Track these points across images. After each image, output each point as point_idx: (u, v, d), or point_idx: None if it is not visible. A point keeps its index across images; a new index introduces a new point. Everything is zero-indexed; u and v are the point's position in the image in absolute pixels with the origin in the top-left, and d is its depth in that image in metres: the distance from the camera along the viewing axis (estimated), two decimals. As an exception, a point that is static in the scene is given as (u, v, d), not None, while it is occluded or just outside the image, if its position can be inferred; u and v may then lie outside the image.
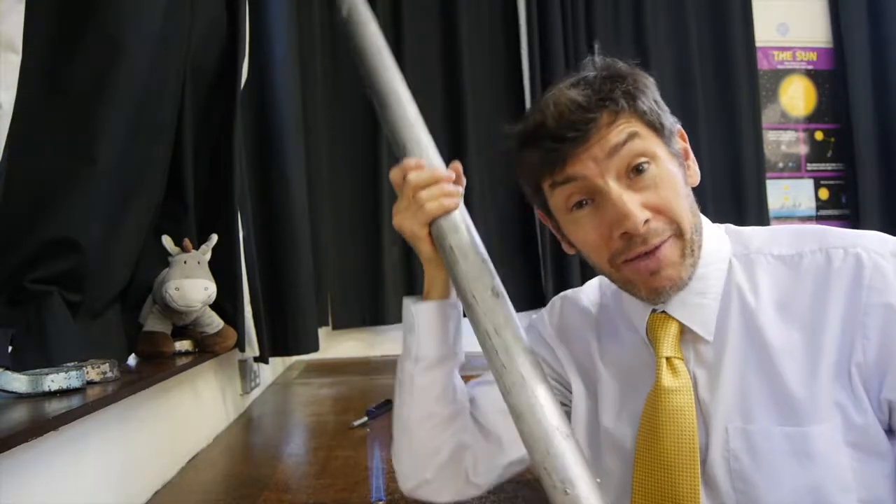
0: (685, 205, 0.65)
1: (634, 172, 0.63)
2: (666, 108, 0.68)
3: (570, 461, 0.51)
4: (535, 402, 0.55)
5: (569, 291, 0.85)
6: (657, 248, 0.63)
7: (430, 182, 0.67)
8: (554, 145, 0.64)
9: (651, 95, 0.66)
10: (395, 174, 0.69)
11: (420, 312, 0.73)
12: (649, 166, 0.63)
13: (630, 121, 0.64)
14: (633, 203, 0.62)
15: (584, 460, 0.52)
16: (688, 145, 0.71)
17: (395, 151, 0.69)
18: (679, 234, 0.64)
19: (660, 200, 0.63)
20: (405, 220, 0.68)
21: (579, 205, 0.65)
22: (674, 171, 0.65)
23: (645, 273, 0.64)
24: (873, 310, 0.59)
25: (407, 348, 0.74)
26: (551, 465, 0.50)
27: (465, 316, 0.70)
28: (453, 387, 0.75)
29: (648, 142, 0.64)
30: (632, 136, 0.63)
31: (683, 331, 0.67)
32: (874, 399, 0.59)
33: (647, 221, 0.62)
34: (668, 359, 0.66)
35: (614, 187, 0.62)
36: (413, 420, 0.74)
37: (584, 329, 0.79)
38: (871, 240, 0.63)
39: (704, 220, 0.70)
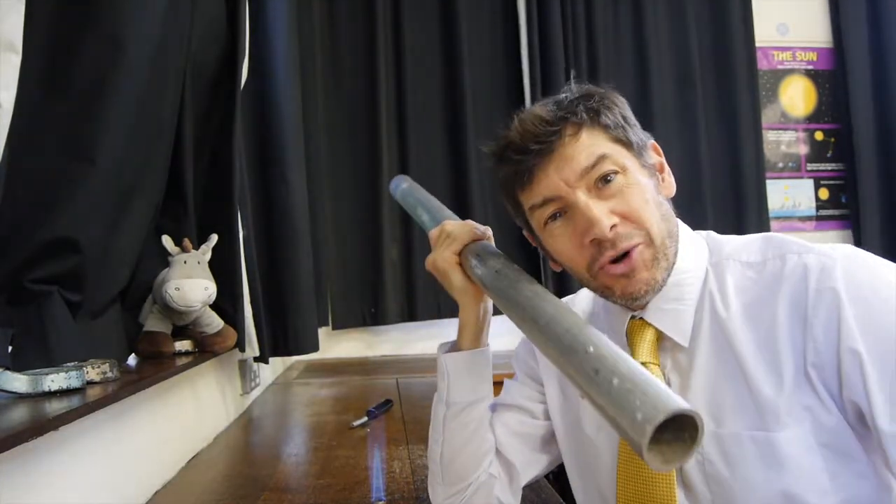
0: (655, 212, 0.66)
1: (602, 182, 0.65)
2: (636, 124, 0.70)
3: (587, 331, 0.52)
4: (552, 307, 0.57)
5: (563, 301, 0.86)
6: (629, 253, 0.64)
7: (462, 224, 0.76)
8: (519, 157, 0.67)
9: (618, 111, 0.68)
10: (434, 232, 0.78)
11: (450, 362, 0.77)
12: (616, 176, 0.65)
13: (593, 134, 0.66)
14: (599, 209, 0.64)
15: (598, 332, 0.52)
16: (663, 160, 0.73)
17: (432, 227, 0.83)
18: (649, 241, 0.65)
19: (627, 207, 0.65)
20: (438, 255, 0.75)
21: (553, 217, 0.68)
22: (643, 181, 0.67)
23: (619, 277, 0.65)
24: (819, 306, 0.60)
25: (439, 392, 0.79)
26: (573, 337, 0.52)
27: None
28: (484, 426, 0.78)
29: (616, 157, 0.66)
30: (601, 158, 0.65)
31: (661, 337, 0.69)
32: (837, 399, 0.60)
33: (613, 226, 0.64)
34: (643, 364, 0.67)
35: (582, 197, 0.65)
36: (445, 457, 0.78)
37: None
38: (827, 247, 0.64)
39: (684, 227, 0.71)
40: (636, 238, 0.64)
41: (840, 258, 0.61)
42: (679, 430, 0.42)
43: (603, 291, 0.69)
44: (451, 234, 0.75)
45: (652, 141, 0.72)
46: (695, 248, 0.70)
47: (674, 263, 0.67)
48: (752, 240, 0.70)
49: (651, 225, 0.65)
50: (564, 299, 0.86)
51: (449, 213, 0.86)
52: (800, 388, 0.60)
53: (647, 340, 0.68)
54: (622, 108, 0.69)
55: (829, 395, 0.60)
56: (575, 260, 0.68)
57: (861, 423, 0.59)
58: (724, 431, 0.63)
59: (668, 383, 0.67)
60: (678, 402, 0.41)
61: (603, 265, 0.65)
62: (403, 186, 0.98)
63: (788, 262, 0.64)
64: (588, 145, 0.65)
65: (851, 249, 0.63)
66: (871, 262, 0.62)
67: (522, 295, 0.61)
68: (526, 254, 2.67)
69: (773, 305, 0.63)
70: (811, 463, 0.59)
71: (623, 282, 0.65)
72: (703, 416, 0.63)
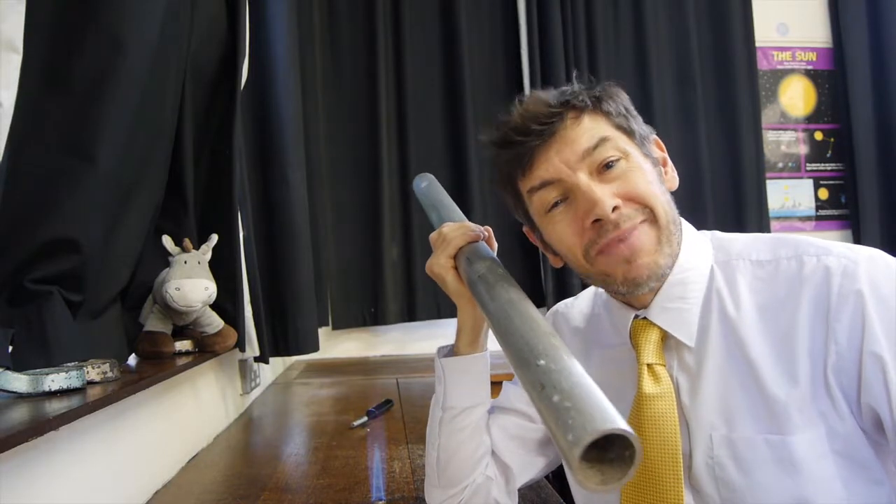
0: (658, 193, 0.65)
1: (604, 168, 0.64)
2: (637, 116, 0.69)
3: (543, 343, 0.51)
4: (519, 317, 0.56)
5: (562, 305, 0.86)
6: (630, 233, 0.63)
7: (457, 227, 0.75)
8: (520, 139, 0.66)
9: (620, 102, 0.68)
10: (433, 235, 0.77)
11: (447, 367, 0.76)
12: (619, 161, 0.64)
13: (596, 119, 0.66)
14: (601, 191, 0.63)
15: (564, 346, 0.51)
16: (666, 155, 0.72)
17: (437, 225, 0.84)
18: (653, 219, 0.64)
19: (630, 188, 0.64)
20: (434, 260, 0.75)
21: (555, 204, 0.67)
22: (646, 166, 0.66)
23: (620, 261, 0.64)
24: (843, 309, 0.59)
25: (436, 396, 0.78)
26: (529, 349, 0.50)
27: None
28: (480, 430, 0.77)
29: (618, 142, 0.65)
30: (602, 140, 0.64)
31: (666, 337, 0.68)
32: (853, 404, 0.59)
33: (616, 208, 0.63)
34: (649, 365, 0.66)
35: (583, 178, 0.64)
36: (441, 460, 0.77)
37: (572, 344, 0.80)
38: (846, 249, 0.63)
39: (688, 226, 0.70)
40: (640, 216, 0.64)
41: (862, 260, 0.60)
42: (621, 448, 0.40)
43: (603, 279, 0.67)
44: (447, 238, 0.74)
45: (654, 135, 0.71)
46: (699, 246, 0.69)
47: (678, 253, 0.66)
48: (759, 238, 0.69)
49: (656, 204, 0.64)
50: (565, 302, 0.86)
51: (455, 213, 0.85)
52: (816, 392, 0.59)
53: (651, 341, 0.67)
54: (624, 100, 0.69)
55: (846, 401, 0.59)
56: (573, 247, 0.66)
57: (877, 428, 0.59)
58: (737, 435, 0.62)
59: (676, 384, 0.66)
60: (610, 423, 0.39)
61: (602, 248, 0.64)
62: (423, 186, 0.97)
63: (807, 264, 0.63)
64: (590, 128, 0.65)
65: (871, 251, 0.62)
66: (892, 264, 0.61)
67: (495, 302, 0.60)
68: (525, 252, 2.67)
69: (793, 308, 0.62)
70: (825, 469, 0.58)
71: (624, 267, 0.64)
72: (715, 419, 0.63)
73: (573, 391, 0.43)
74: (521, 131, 0.66)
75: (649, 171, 0.66)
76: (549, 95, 0.67)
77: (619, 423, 0.39)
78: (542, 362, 0.47)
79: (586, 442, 0.39)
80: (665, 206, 0.65)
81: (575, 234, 0.66)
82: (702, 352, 0.66)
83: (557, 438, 0.42)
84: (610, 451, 0.41)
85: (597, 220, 0.63)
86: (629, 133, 0.67)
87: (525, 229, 0.76)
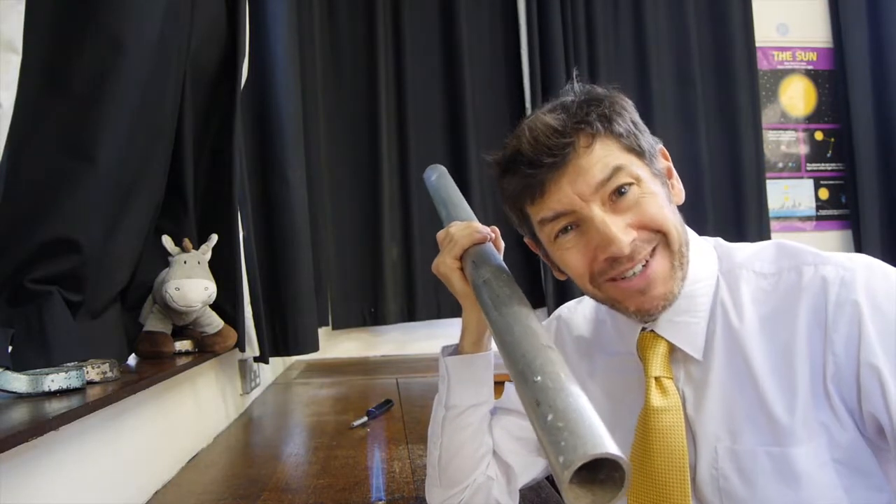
0: (670, 216, 0.65)
1: (616, 195, 0.63)
2: (645, 129, 0.68)
3: (541, 358, 0.51)
4: (520, 329, 0.56)
5: (565, 309, 0.86)
6: (647, 263, 0.63)
7: (464, 227, 0.75)
8: (531, 171, 0.65)
9: (628, 117, 0.66)
10: (440, 234, 0.77)
11: (451, 365, 0.77)
12: (631, 187, 0.63)
13: (607, 145, 0.64)
14: (617, 226, 0.62)
15: (562, 363, 0.51)
16: (671, 164, 0.71)
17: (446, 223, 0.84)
18: (666, 243, 0.64)
19: (643, 216, 0.63)
20: (440, 259, 0.74)
21: (564, 230, 0.66)
22: (656, 189, 0.65)
23: (635, 293, 0.64)
24: (839, 320, 0.59)
25: (439, 394, 0.78)
26: (526, 364, 0.50)
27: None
28: (482, 430, 0.77)
29: (630, 168, 0.64)
30: (616, 170, 0.63)
31: (673, 349, 0.67)
32: (855, 413, 0.59)
33: (632, 241, 0.62)
34: (657, 378, 0.66)
35: (598, 213, 0.63)
36: (443, 459, 0.77)
37: (575, 352, 0.80)
38: (844, 258, 0.63)
39: (693, 235, 0.70)
40: (653, 243, 0.63)
41: (860, 270, 0.60)
42: (611, 470, 0.41)
43: (612, 304, 0.67)
44: (453, 239, 0.74)
45: (660, 146, 0.70)
46: (704, 257, 0.69)
47: (688, 274, 0.66)
48: (763, 248, 0.69)
49: (669, 229, 0.64)
50: (567, 306, 0.86)
51: (464, 211, 0.84)
52: (816, 403, 0.59)
53: (659, 354, 0.67)
54: (632, 113, 0.67)
55: (847, 411, 0.59)
56: (583, 273, 0.66)
57: (880, 436, 0.59)
58: (740, 447, 0.62)
59: (682, 396, 0.66)
60: (600, 447, 0.40)
61: (615, 277, 0.64)
62: (433, 179, 0.96)
63: (805, 273, 0.63)
64: (602, 157, 0.63)
65: (869, 260, 0.62)
66: (890, 274, 0.61)
67: (497, 311, 0.60)
68: (524, 252, 2.67)
69: (792, 319, 0.62)
70: (827, 478, 0.59)
71: (639, 298, 0.64)
72: (720, 431, 0.63)
73: (567, 412, 0.43)
74: (531, 163, 0.64)
75: (660, 195, 0.65)
76: (557, 118, 0.64)
77: (609, 448, 0.40)
78: (538, 379, 0.48)
79: (576, 466, 0.39)
80: (677, 227, 0.64)
81: (585, 263, 0.65)
82: (707, 364, 0.66)
83: (549, 457, 0.42)
84: (600, 472, 0.41)
85: (611, 256, 0.63)
86: (639, 154, 0.65)
87: (527, 240, 0.76)
